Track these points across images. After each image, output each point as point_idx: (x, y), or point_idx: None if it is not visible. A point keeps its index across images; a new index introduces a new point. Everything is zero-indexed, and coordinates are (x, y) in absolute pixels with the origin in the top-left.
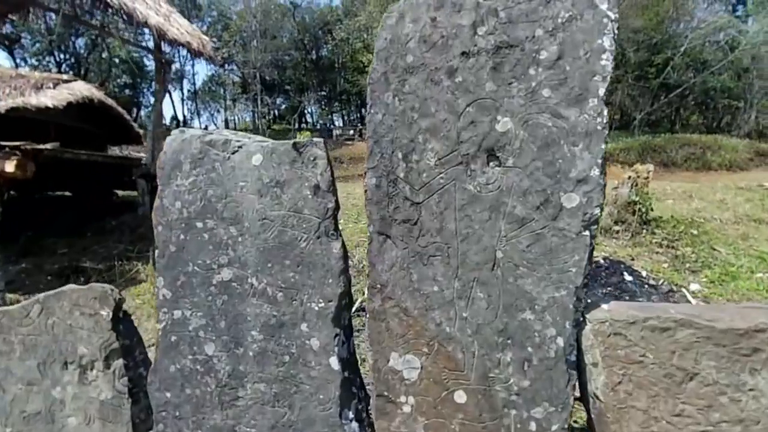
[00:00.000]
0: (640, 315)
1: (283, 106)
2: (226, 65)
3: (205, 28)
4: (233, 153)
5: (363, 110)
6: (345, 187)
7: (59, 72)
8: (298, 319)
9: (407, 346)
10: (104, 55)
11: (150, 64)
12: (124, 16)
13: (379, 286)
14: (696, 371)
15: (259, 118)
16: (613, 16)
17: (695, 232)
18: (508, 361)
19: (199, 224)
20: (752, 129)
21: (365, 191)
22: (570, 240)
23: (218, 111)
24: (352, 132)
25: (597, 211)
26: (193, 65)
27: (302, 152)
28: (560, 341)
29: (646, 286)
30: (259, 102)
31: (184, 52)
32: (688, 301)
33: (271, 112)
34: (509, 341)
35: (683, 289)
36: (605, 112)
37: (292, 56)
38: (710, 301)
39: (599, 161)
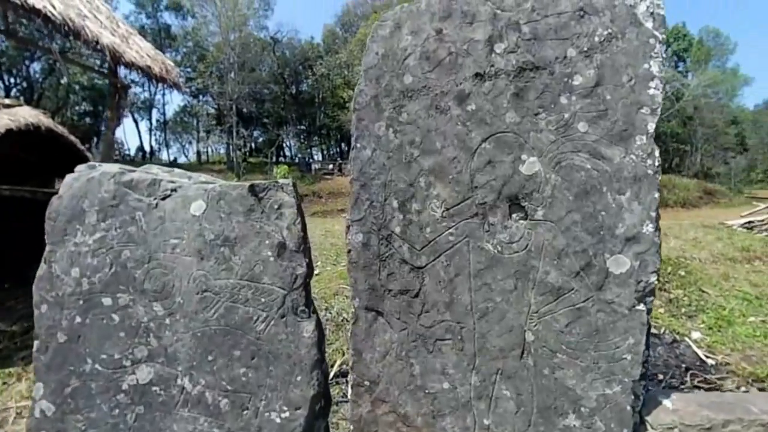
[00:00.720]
0: (717, 417)
1: (261, 139)
2: (201, 96)
3: (179, 58)
4: (163, 198)
5: (343, 145)
6: (323, 223)
7: (7, 97)
8: None
9: None
10: (63, 80)
11: None
12: (71, 34)
13: (367, 383)
14: None
15: (234, 151)
16: (660, 37)
17: (683, 273)
18: None
19: (107, 300)
20: (699, 170)
21: (348, 251)
22: (621, 317)
23: (190, 142)
24: (331, 166)
25: (653, 278)
26: (163, 95)
27: (263, 198)
28: None
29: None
30: (234, 134)
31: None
32: (694, 352)
33: (248, 145)
34: None
35: (686, 338)
36: (656, 153)
37: (271, 90)
38: (714, 351)
39: (652, 214)
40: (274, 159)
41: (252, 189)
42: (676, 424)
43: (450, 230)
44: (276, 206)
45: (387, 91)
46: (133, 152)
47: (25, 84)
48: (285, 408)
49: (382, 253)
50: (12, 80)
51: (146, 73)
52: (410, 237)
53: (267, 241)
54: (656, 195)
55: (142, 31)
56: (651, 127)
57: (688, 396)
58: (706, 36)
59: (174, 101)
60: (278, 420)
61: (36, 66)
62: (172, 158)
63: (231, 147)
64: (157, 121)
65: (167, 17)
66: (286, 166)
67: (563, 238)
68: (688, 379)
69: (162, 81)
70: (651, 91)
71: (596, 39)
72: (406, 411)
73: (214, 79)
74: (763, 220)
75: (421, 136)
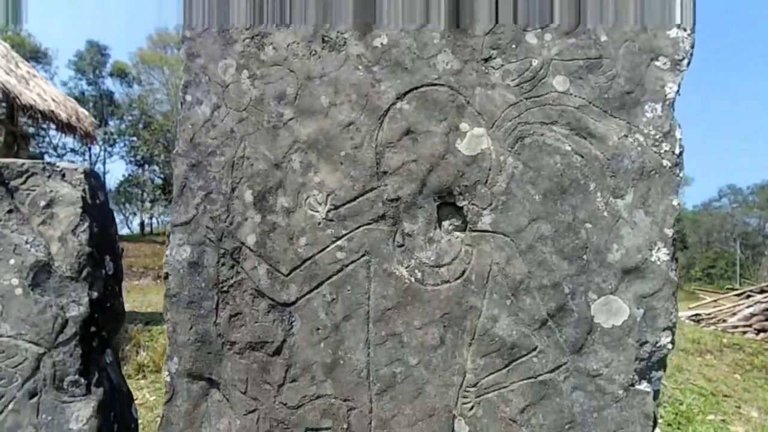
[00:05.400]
0: None
1: None
2: (147, 165)
3: (123, 126)
4: None
5: None
6: None
7: None
8: None
9: None
10: None
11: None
12: None
13: None
14: None
15: None
16: None
17: None
18: None
19: None
20: None
21: (165, 276)
22: (612, 401)
23: (134, 213)
24: None
25: (666, 340)
26: (104, 163)
27: (17, 189)
28: None
29: None
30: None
31: (96, 150)
32: None
33: None
34: None
35: None
36: (678, 134)
37: None
38: None
39: (667, 232)
40: None
41: None
42: None
43: (339, 242)
44: (43, 203)
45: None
46: None
47: None
48: None
49: (224, 279)
50: None
51: (50, 119)
52: (272, 253)
53: (13, 260)
54: (675, 202)
55: (82, 97)
56: (671, 90)
57: None
58: None
59: (117, 171)
60: None
61: None
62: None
63: None
64: None
65: (110, 84)
66: None
67: (523, 262)
68: None
69: (72, 130)
70: (672, 33)
71: None
72: None
73: (160, 148)
74: (710, 314)
75: (296, 85)
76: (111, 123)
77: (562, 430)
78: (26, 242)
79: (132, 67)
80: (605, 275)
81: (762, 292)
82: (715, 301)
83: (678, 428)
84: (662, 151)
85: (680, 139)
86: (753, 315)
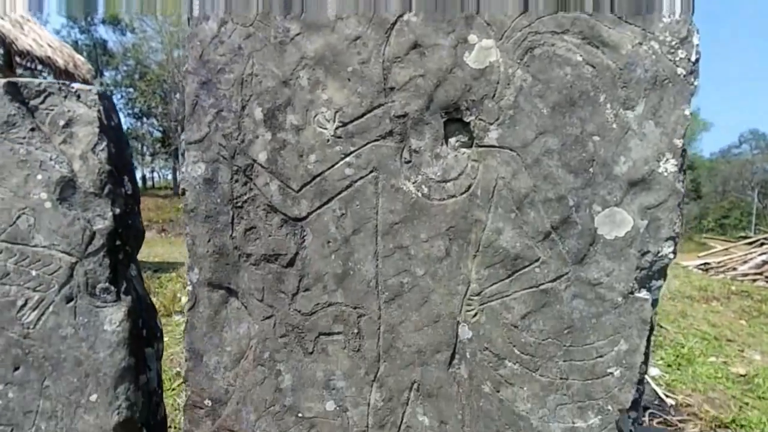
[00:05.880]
0: None
1: None
2: (145, 118)
3: (119, 77)
4: None
5: None
6: None
7: None
8: None
9: None
10: None
11: None
12: None
13: (208, 402)
14: None
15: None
16: None
17: None
18: None
19: None
20: None
21: (182, 192)
22: (611, 308)
23: (135, 168)
24: None
25: (668, 249)
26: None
27: (37, 108)
28: None
29: None
30: (180, 157)
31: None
32: (653, 389)
33: None
34: None
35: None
36: (695, 39)
37: None
38: (674, 390)
39: (677, 142)
40: None
41: (12, 89)
42: None
43: (348, 159)
44: (62, 122)
45: None
46: None
47: None
48: None
49: (238, 195)
50: None
51: (48, 65)
52: (283, 169)
53: (40, 176)
54: (687, 112)
55: (75, 46)
56: None
57: None
58: None
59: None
60: None
61: None
62: None
63: (177, 171)
64: None
65: (103, 32)
66: None
67: (528, 176)
68: (646, 418)
69: (70, 77)
70: None
71: None
72: None
73: (157, 99)
74: (720, 262)
75: None
76: (106, 74)
77: (560, 334)
78: (50, 159)
79: (124, 13)
80: (611, 188)
81: None
82: (726, 249)
83: (678, 369)
84: (677, 59)
85: (697, 45)
86: (765, 263)
